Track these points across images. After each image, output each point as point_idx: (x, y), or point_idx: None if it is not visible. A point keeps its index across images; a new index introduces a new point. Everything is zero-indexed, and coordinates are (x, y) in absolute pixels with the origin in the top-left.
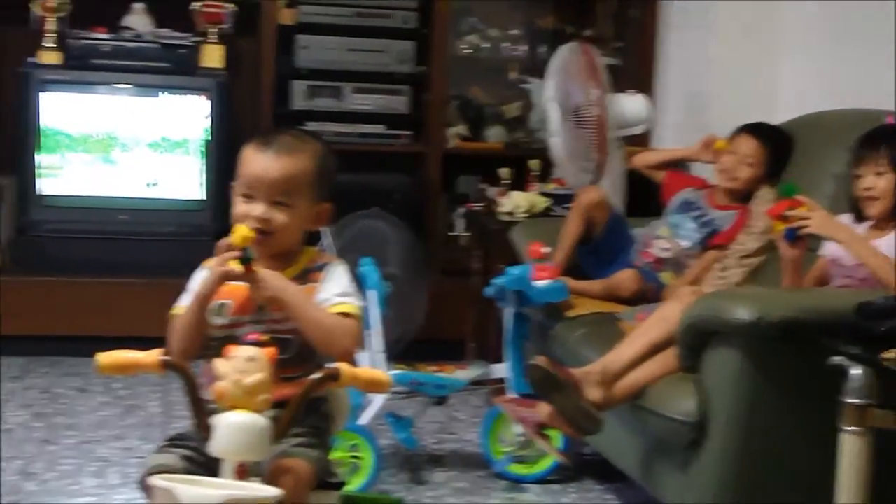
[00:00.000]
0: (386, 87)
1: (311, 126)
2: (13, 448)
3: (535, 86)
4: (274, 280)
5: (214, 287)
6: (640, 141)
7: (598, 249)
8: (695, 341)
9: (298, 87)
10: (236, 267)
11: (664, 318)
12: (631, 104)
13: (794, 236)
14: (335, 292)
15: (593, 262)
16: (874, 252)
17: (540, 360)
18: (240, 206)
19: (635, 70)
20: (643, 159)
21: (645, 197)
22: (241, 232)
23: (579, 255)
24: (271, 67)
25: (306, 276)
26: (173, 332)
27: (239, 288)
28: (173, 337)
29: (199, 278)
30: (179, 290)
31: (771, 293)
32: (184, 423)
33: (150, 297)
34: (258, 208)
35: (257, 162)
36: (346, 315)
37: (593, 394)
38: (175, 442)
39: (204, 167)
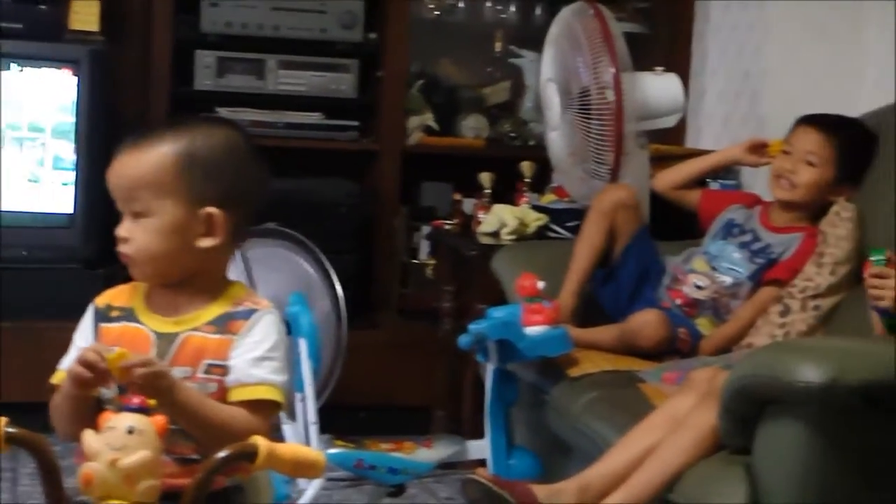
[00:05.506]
0: (325, 60)
1: (223, 114)
2: None
3: (529, 61)
4: (156, 384)
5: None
6: (672, 136)
7: (618, 275)
8: (745, 411)
9: (204, 58)
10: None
11: (672, 417)
12: (659, 87)
13: (890, 316)
14: (252, 356)
15: (610, 295)
16: None
17: (479, 475)
18: None
19: (665, 41)
20: (666, 180)
21: (677, 214)
22: (115, 356)
23: (595, 283)
24: (167, 31)
25: (225, 323)
26: (54, 410)
27: (134, 332)
28: (55, 417)
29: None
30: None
31: (849, 347)
32: None
33: None
34: (123, 225)
35: (112, 167)
36: (260, 404)
37: None
38: None
39: (73, 169)
